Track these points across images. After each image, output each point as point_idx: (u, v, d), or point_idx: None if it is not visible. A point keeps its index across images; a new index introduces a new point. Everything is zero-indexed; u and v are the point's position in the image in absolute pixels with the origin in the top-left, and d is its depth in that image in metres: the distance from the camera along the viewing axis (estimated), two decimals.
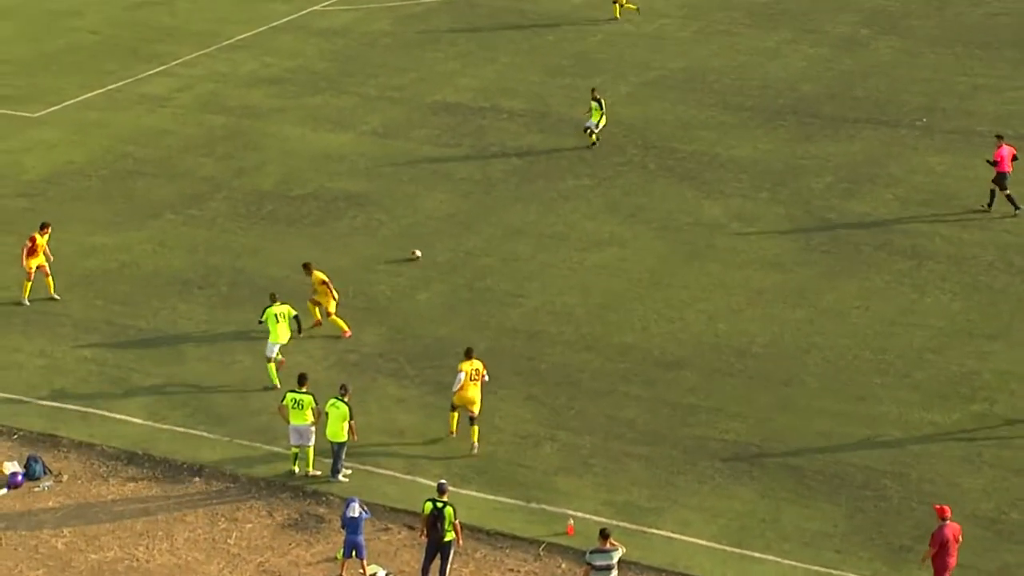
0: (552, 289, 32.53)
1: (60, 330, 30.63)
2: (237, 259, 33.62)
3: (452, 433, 26.92)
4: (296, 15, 49.16)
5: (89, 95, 42.26)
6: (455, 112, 41.78)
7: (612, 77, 44.31)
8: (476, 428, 26.60)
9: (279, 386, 28.17)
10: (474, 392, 26.54)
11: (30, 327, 30.54)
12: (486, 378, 26.89)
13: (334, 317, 30.35)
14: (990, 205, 35.66)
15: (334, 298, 30.22)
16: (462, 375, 26.41)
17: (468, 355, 26.75)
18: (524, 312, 31.62)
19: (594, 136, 39.10)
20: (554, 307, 31.81)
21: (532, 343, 30.46)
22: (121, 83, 43.21)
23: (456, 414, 26.94)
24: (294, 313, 28.93)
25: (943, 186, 37.14)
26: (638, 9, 49.76)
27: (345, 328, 30.28)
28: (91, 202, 36.11)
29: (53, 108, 41.36)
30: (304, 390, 26.11)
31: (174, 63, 44.67)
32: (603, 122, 39.13)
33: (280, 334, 28.53)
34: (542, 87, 43.60)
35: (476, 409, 26.59)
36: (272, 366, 28.52)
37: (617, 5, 50.01)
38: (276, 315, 28.58)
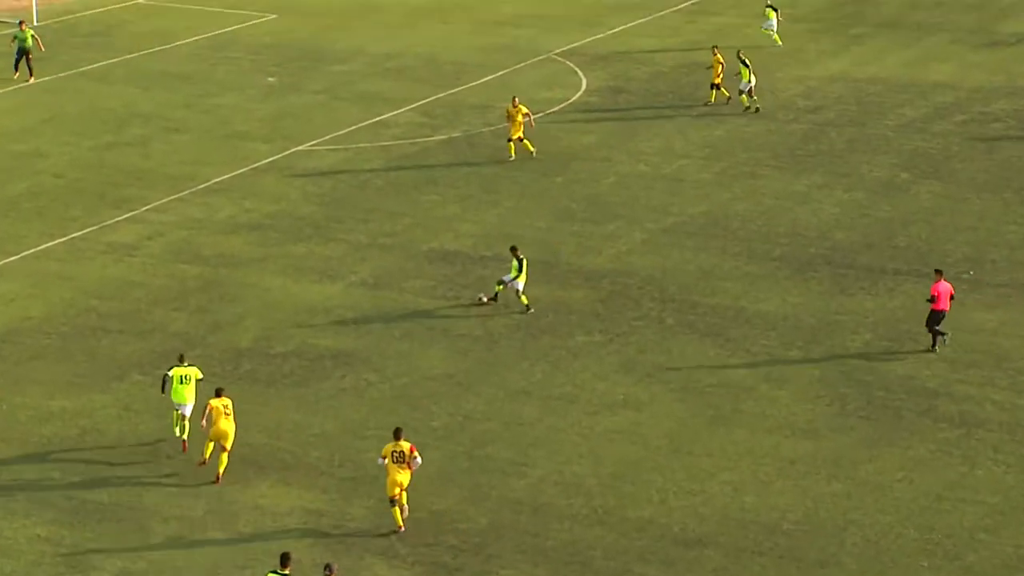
0: (560, 457, 32.60)
1: (11, 504, 30.67)
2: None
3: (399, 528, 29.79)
4: (279, 155, 49.96)
5: (50, 244, 42.82)
6: (454, 261, 42.24)
7: (626, 222, 44.89)
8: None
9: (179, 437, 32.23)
10: (401, 476, 29.64)
11: None
12: (418, 460, 29.65)
13: None
14: None
15: None
16: (383, 460, 29.62)
17: (396, 436, 29.75)
18: (529, 483, 31.65)
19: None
20: (562, 477, 31.84)
21: (537, 517, 30.44)
22: (86, 230, 43.79)
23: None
24: (200, 376, 32.56)
25: (994, 346, 37.37)
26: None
27: None
28: (50, 361, 36.37)
29: (11, 258, 41.88)
30: (287, 572, 26.19)
31: (144, 208, 45.31)
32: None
33: (185, 396, 32.31)
34: (549, 233, 44.15)
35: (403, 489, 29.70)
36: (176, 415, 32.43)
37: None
38: (181, 376, 32.31)
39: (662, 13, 65.36)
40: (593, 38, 62.78)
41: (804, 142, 51.69)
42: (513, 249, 39.12)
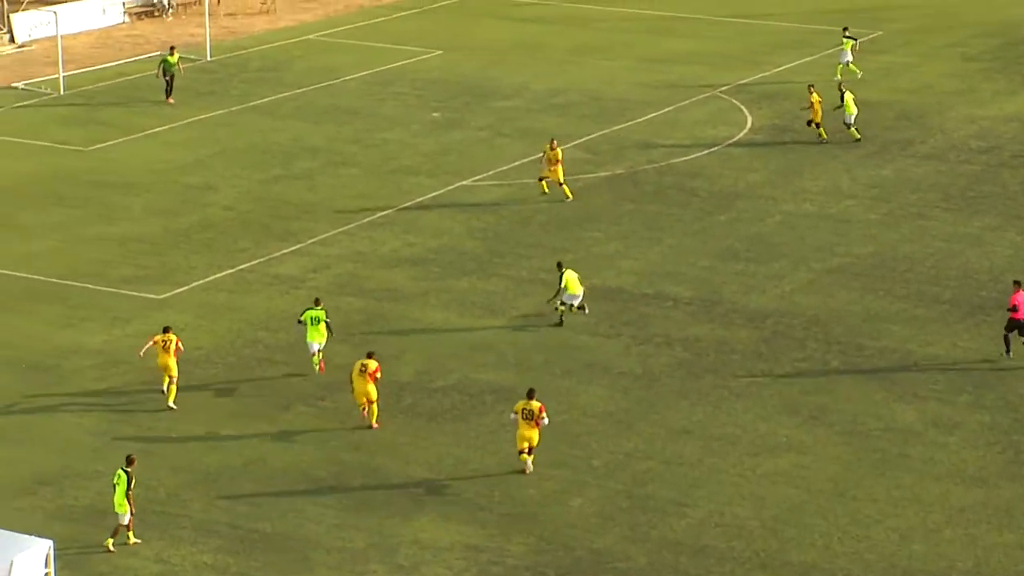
0: (721, 498, 32.31)
1: (178, 532, 31.20)
2: (372, 456, 34.05)
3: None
4: (443, 190, 50.34)
5: (219, 275, 43.60)
6: (615, 298, 42.18)
7: (791, 262, 44.46)
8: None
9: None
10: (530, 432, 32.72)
11: (147, 529, 31.14)
12: (545, 420, 32.68)
13: None
14: None
15: None
16: (514, 416, 32.76)
17: (529, 396, 33.05)
18: (689, 524, 31.41)
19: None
20: (723, 519, 31.55)
21: (698, 559, 30.18)
22: (253, 262, 44.52)
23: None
24: (327, 318, 37.00)
25: None
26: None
27: None
28: (217, 391, 36.99)
29: (180, 289, 42.71)
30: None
31: (310, 241, 45.95)
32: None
33: (315, 336, 36.84)
34: (712, 272, 43.88)
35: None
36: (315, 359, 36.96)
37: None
38: (312, 318, 36.84)
39: (829, 51, 64.75)
40: (759, 76, 62.40)
41: (976, 183, 50.77)
42: (559, 265, 40.59)
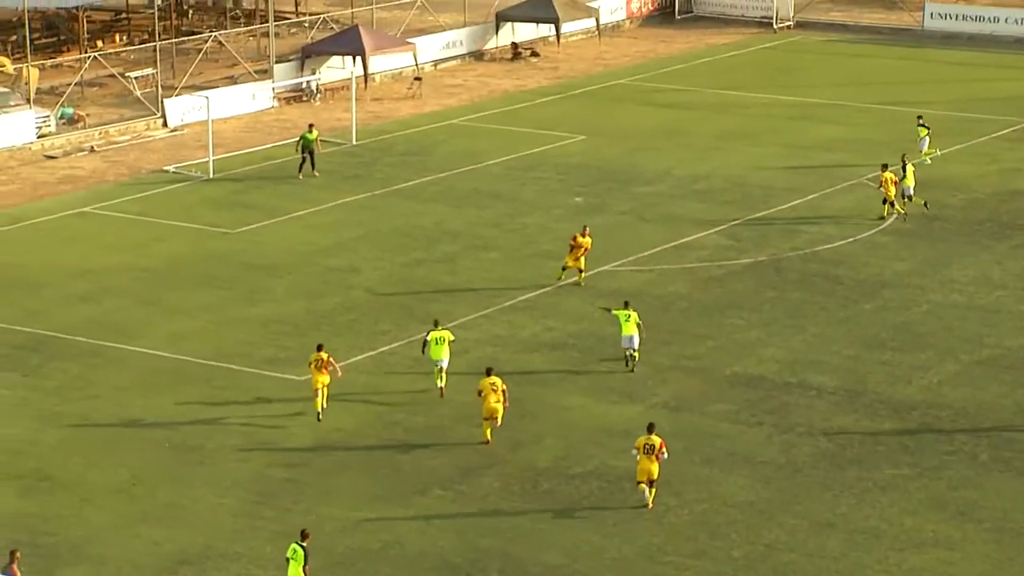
0: None
1: None
2: (509, 543, 33.87)
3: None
4: (584, 274, 50.24)
5: (360, 357, 43.86)
6: (757, 386, 41.70)
7: (938, 353, 43.66)
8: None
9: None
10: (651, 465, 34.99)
11: None
12: (664, 455, 34.76)
13: None
14: None
15: None
16: (635, 452, 35.05)
17: (649, 430, 35.55)
18: None
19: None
20: None
21: None
22: (394, 344, 44.76)
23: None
24: (452, 338, 40.75)
25: None
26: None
27: None
28: (356, 474, 37.12)
29: None
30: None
31: (450, 325, 46.06)
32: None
33: (441, 354, 40.42)
34: (857, 362, 43.24)
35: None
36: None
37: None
38: (436, 338, 40.53)
39: (981, 139, 63.94)
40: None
41: None
42: (626, 304, 43.08)
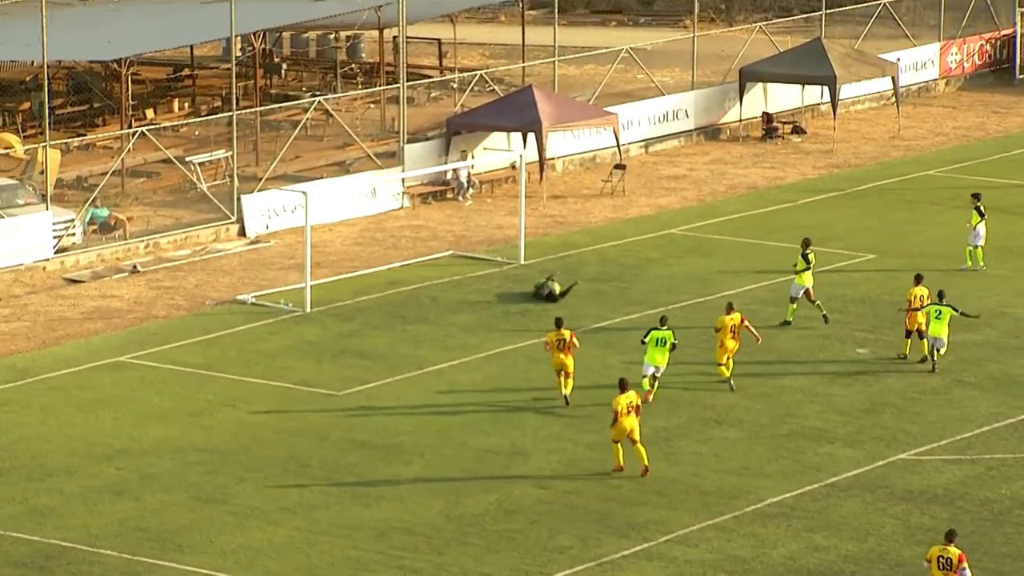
0: None
1: None
2: None
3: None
4: (868, 467, 49.93)
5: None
6: None
7: None
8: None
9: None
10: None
11: None
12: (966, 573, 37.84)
13: None
14: None
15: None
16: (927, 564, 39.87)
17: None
18: None
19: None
20: None
21: None
22: (576, 568, 44.47)
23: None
24: (675, 340, 51.61)
25: None
26: None
27: None
28: None
29: None
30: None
31: (663, 539, 45.86)
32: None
33: (657, 358, 51.80)
34: None
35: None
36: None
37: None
38: (658, 339, 51.69)
39: None
40: None
41: None
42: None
